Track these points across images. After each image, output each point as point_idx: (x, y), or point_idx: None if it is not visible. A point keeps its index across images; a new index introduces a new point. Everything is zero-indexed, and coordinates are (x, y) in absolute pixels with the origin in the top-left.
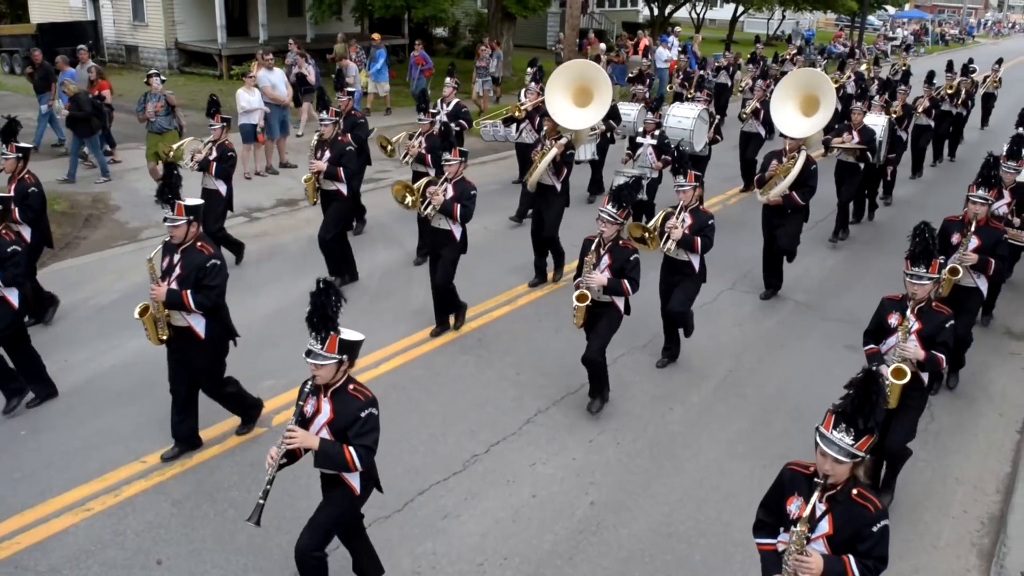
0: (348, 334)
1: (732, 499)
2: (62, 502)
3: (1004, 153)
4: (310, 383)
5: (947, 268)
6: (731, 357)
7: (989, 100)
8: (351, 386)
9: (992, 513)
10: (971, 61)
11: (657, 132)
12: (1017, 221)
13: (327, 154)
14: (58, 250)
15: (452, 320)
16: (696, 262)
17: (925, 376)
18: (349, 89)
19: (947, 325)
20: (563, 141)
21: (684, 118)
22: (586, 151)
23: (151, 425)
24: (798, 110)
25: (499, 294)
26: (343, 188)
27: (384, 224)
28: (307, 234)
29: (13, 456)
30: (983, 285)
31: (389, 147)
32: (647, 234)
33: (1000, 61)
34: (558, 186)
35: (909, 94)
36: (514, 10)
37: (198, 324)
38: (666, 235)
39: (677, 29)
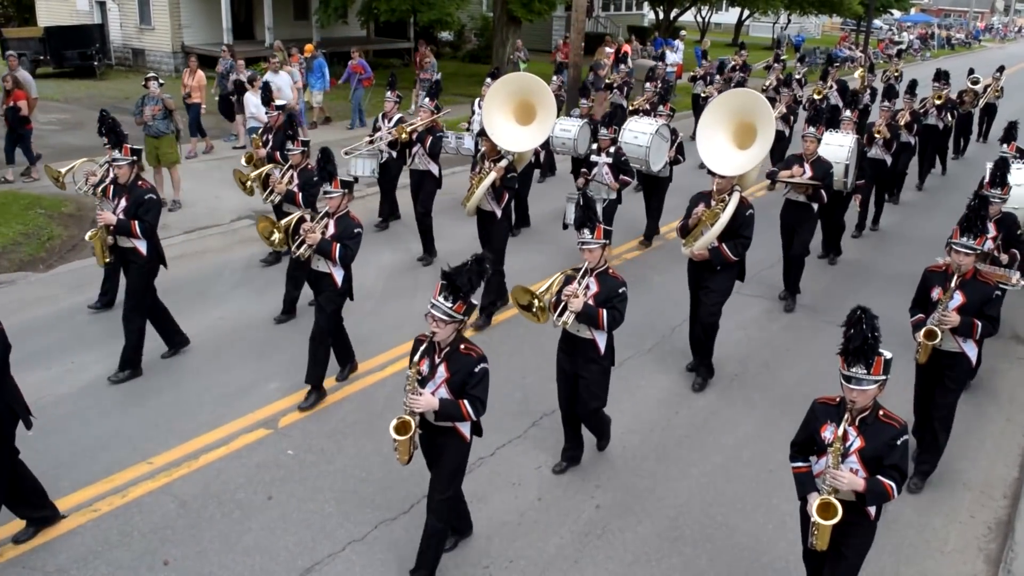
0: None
1: (738, 503)
2: (69, 503)
3: (987, 180)
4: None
5: (923, 330)
6: (736, 361)
7: (989, 111)
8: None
9: (1000, 518)
10: (972, 71)
11: (613, 149)
12: (1004, 258)
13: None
14: (64, 252)
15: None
16: (601, 342)
17: (871, 510)
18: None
19: (898, 442)
20: (503, 163)
21: (640, 134)
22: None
23: (158, 426)
24: (730, 141)
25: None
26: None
27: (390, 226)
28: None
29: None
30: (971, 351)
31: (248, 183)
32: (535, 302)
33: (1001, 69)
34: (498, 212)
35: (891, 109)
36: (519, 14)
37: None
38: (562, 305)
39: (683, 33)
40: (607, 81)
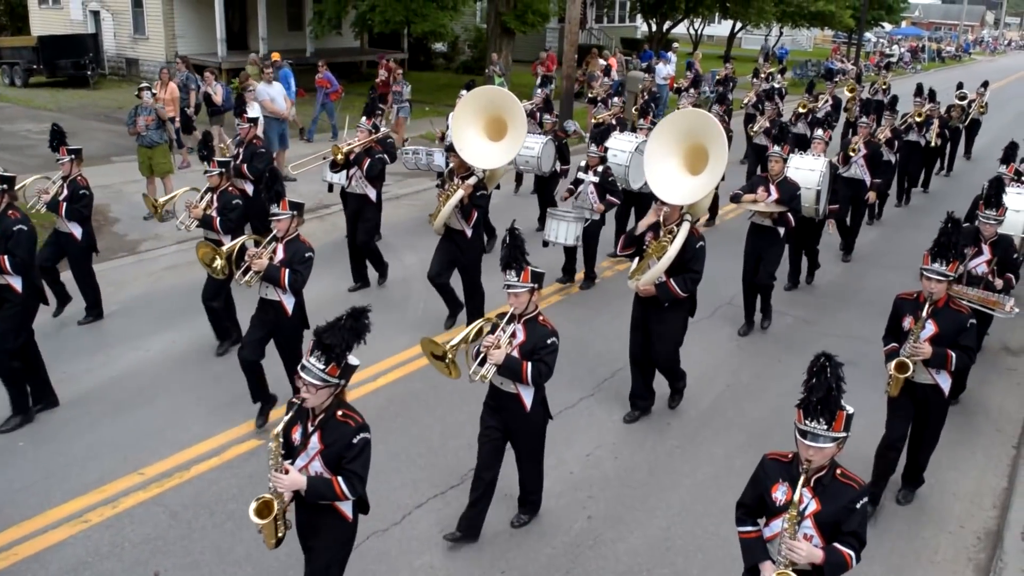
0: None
1: (729, 513)
2: (60, 513)
3: (981, 200)
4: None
5: (894, 362)
6: (728, 372)
7: (973, 127)
8: (340, 412)
9: (989, 528)
10: (960, 86)
11: (601, 168)
12: (999, 283)
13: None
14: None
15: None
16: (528, 397)
17: None
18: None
19: (858, 506)
20: (472, 181)
21: (619, 152)
22: (570, 234)
23: (150, 437)
24: (681, 166)
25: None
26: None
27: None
28: None
29: (12, 467)
30: (945, 382)
31: (158, 208)
32: (446, 356)
33: (985, 84)
34: (468, 231)
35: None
36: (513, 25)
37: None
38: (481, 356)
39: (676, 45)
40: (590, 95)
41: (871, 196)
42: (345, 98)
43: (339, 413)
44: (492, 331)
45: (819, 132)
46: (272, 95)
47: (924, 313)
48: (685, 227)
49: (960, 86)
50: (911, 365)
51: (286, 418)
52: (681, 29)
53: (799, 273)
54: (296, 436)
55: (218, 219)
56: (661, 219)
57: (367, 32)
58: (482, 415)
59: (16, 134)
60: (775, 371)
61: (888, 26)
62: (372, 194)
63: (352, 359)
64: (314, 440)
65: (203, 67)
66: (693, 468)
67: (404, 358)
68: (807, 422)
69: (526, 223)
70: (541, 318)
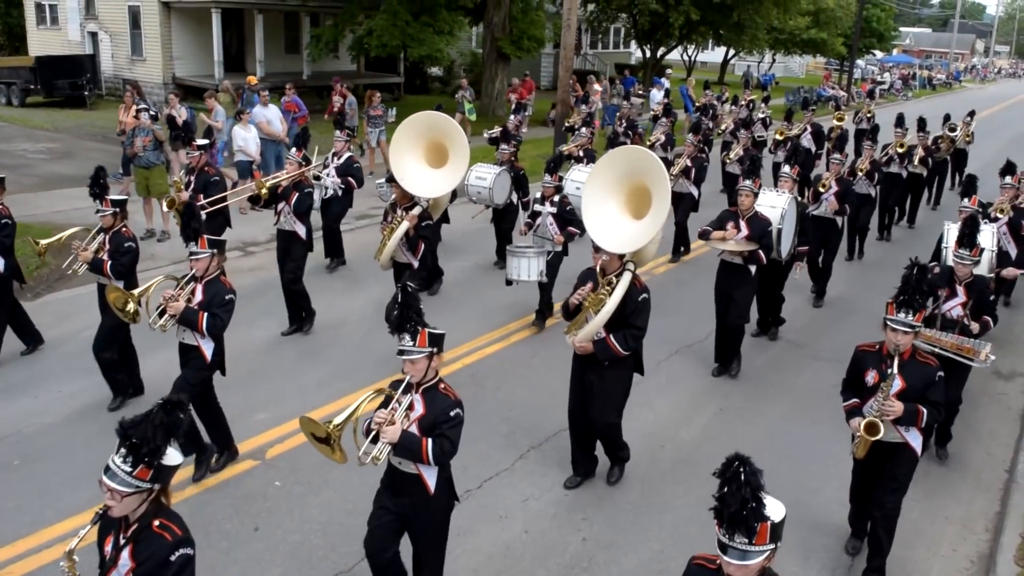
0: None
1: None
2: (54, 532)
3: (949, 241)
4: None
5: (864, 422)
6: (721, 396)
7: (960, 157)
8: (157, 522)
9: (981, 552)
10: (948, 118)
11: (557, 198)
12: (975, 327)
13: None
14: (52, 281)
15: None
16: (431, 478)
17: None
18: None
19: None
20: (416, 211)
21: (580, 183)
22: (532, 270)
23: None
24: (622, 210)
25: (492, 330)
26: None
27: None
28: None
29: (6, 485)
30: (915, 440)
31: (42, 250)
32: (330, 438)
33: (972, 114)
34: (415, 263)
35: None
36: (508, 50)
37: None
38: (372, 434)
39: (669, 71)
40: (568, 123)
41: (797, 267)
42: (324, 121)
43: (156, 523)
44: (385, 404)
45: (786, 168)
46: (268, 117)
47: (893, 368)
48: (626, 277)
49: (947, 118)
50: (881, 426)
51: (84, 530)
52: (675, 55)
53: (769, 319)
54: (108, 549)
55: (109, 263)
56: (598, 268)
57: (364, 56)
58: (377, 493)
59: (12, 153)
60: (767, 394)
61: (879, 54)
62: (301, 230)
63: (173, 457)
64: (124, 556)
65: (202, 89)
66: (686, 490)
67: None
68: (729, 538)
69: (485, 256)
70: (443, 386)
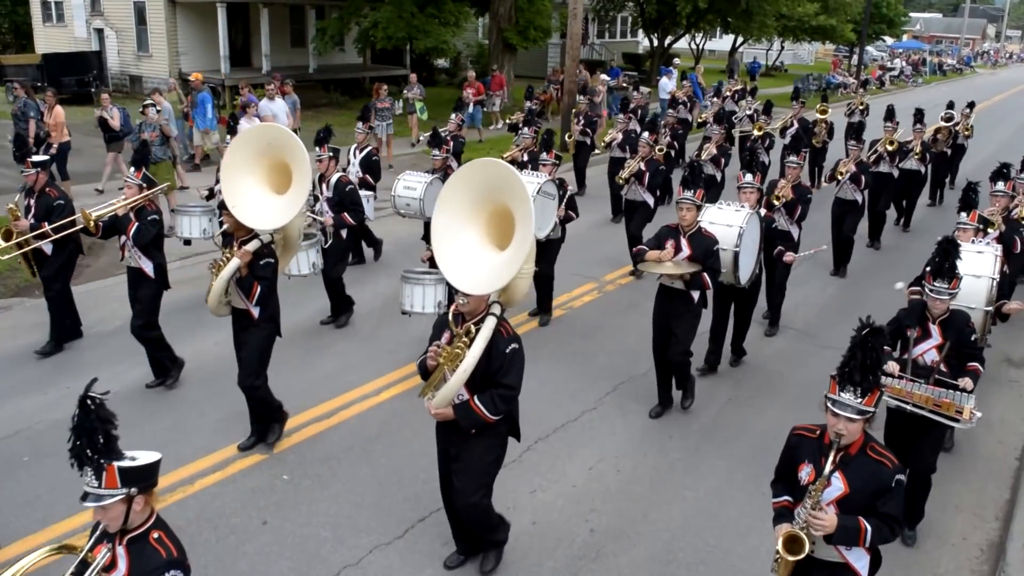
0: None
1: (732, 526)
2: (64, 528)
3: (928, 270)
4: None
5: (783, 534)
6: (730, 386)
7: (957, 153)
8: (155, 534)
9: (992, 540)
10: (951, 106)
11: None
12: (967, 383)
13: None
14: None
15: None
16: None
17: None
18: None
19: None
20: (251, 246)
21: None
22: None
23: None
24: (483, 239)
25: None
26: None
27: (385, 252)
28: None
29: (16, 481)
30: (859, 561)
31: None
32: None
33: (971, 105)
34: (254, 311)
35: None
36: (515, 41)
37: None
38: None
39: (677, 60)
40: (510, 120)
41: (788, 256)
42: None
43: (154, 535)
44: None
45: (748, 177)
46: (275, 111)
47: (828, 466)
48: (488, 325)
49: (950, 106)
50: (806, 540)
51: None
52: (683, 44)
53: (719, 351)
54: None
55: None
56: (452, 316)
57: (370, 48)
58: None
59: None
60: (776, 384)
61: (889, 40)
62: (148, 267)
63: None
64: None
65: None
66: (695, 481)
67: (406, 372)
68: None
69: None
70: (155, 535)
